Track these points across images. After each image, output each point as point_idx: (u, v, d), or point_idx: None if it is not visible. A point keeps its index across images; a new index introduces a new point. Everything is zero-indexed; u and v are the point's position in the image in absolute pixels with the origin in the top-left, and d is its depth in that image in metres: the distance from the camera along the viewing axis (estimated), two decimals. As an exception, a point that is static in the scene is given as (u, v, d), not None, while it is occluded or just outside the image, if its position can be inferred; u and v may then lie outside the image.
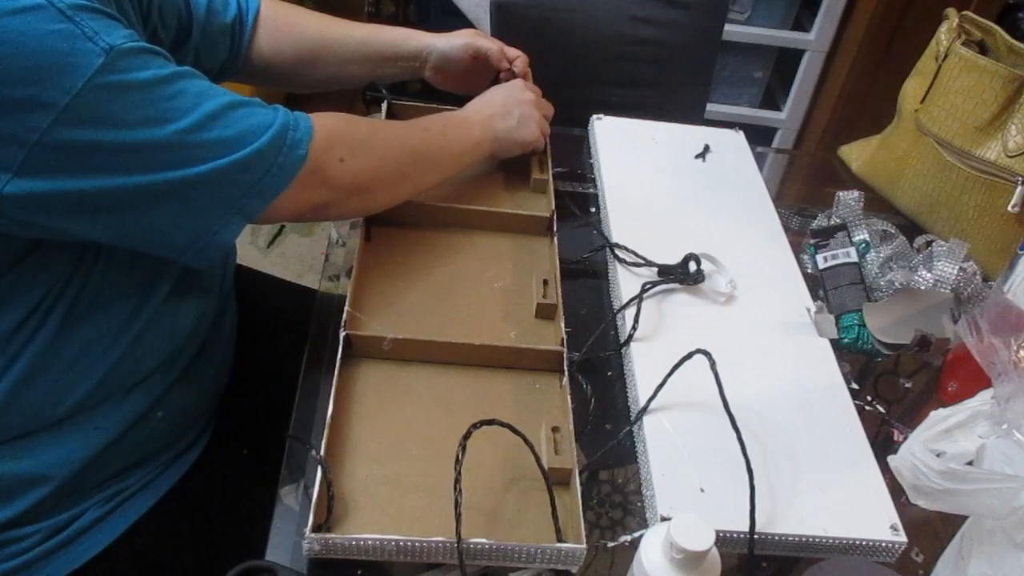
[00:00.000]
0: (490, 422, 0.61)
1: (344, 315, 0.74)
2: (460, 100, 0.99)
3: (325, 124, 0.70)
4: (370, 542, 0.59)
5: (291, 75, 0.94)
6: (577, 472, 0.65)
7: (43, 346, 0.66)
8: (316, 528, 0.59)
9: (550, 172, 0.97)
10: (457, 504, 0.58)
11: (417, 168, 0.83)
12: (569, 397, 0.71)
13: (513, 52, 0.99)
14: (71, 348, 0.67)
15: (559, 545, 0.60)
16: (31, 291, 0.64)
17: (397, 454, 0.67)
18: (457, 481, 0.58)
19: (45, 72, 0.53)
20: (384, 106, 1.00)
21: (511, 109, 0.92)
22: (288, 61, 0.92)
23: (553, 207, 0.91)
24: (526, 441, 0.61)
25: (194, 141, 0.60)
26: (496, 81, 1.00)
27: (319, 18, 0.94)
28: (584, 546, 0.60)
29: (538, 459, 0.61)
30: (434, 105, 0.99)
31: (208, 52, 0.85)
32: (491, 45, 0.97)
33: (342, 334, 0.72)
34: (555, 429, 0.69)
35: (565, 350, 0.74)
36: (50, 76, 0.53)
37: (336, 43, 0.94)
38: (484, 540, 0.59)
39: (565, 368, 0.74)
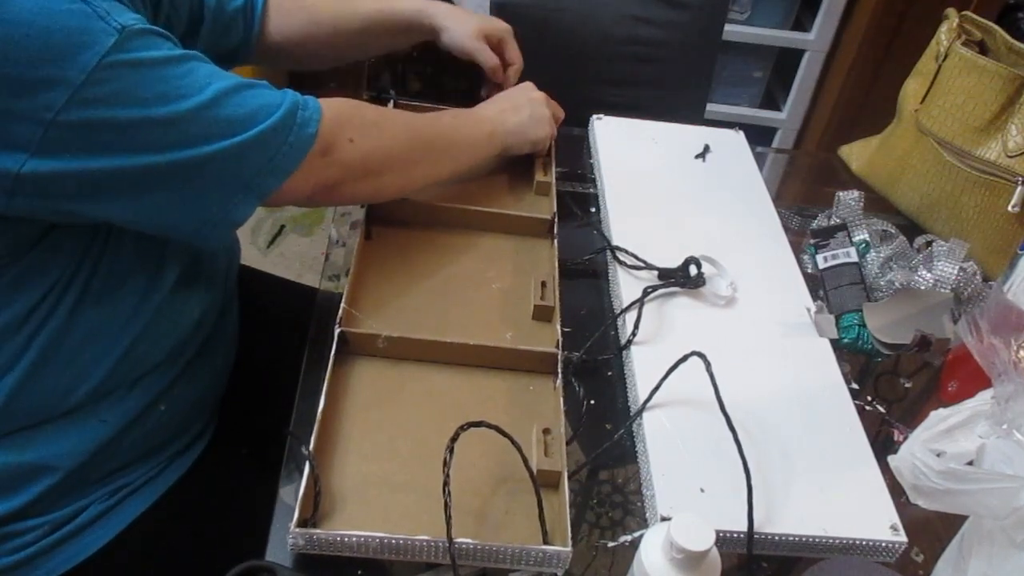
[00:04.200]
0: (478, 424, 0.61)
1: (340, 312, 0.74)
2: (466, 102, 0.99)
3: (333, 105, 0.71)
4: (355, 538, 0.59)
5: (302, 53, 0.95)
6: (566, 475, 0.65)
7: (53, 335, 0.66)
8: (302, 523, 0.60)
9: (553, 175, 0.97)
10: (447, 506, 0.58)
11: (428, 154, 0.83)
12: (562, 400, 0.71)
13: (513, 55, 0.99)
14: (80, 337, 0.67)
15: (544, 547, 0.60)
16: (42, 279, 0.65)
17: (388, 452, 0.67)
18: (446, 484, 0.58)
19: (59, 50, 0.53)
20: (390, 105, 1.00)
21: (522, 105, 0.93)
22: (299, 40, 0.93)
23: (555, 209, 0.91)
24: (514, 443, 0.61)
25: (208, 118, 0.60)
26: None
27: None
28: (569, 549, 0.60)
29: (526, 461, 0.61)
30: (440, 106, 0.99)
31: (220, 38, 0.86)
32: (488, 61, 0.97)
33: (336, 330, 0.72)
34: (546, 431, 0.69)
35: (560, 352, 0.74)
36: (64, 54, 0.54)
37: (346, 20, 0.94)
38: (470, 540, 0.59)
39: (559, 370, 0.74)
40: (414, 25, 0.96)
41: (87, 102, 0.55)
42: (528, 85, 0.97)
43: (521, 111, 0.93)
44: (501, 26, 0.99)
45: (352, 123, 0.72)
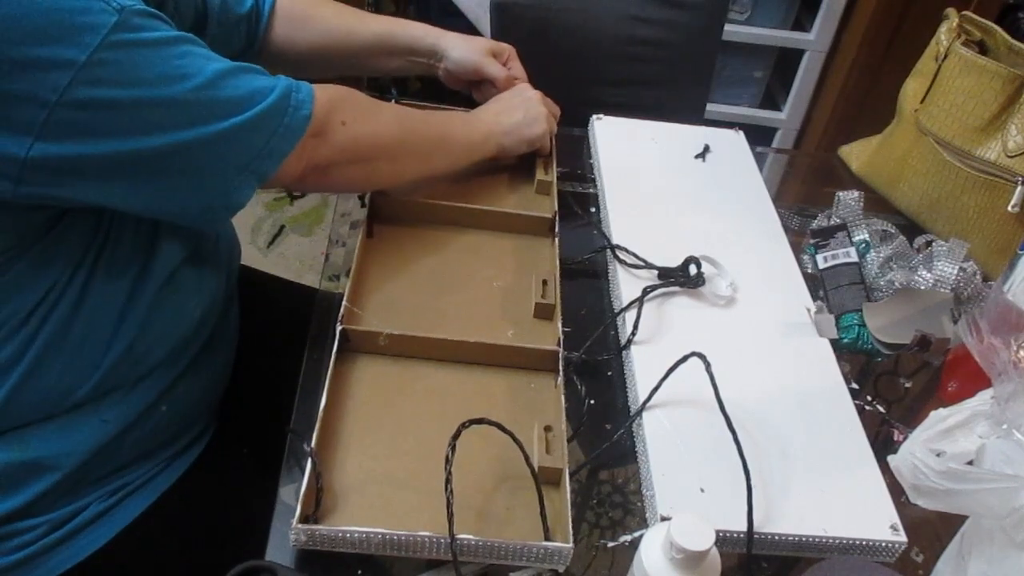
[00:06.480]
0: (479, 421, 0.61)
1: (342, 309, 0.74)
2: (466, 102, 0.99)
3: (327, 89, 0.72)
4: (356, 535, 0.59)
5: (306, 64, 0.95)
6: (567, 472, 0.65)
7: (57, 329, 0.66)
8: (303, 519, 0.60)
9: (554, 174, 0.97)
10: (449, 504, 0.58)
11: (420, 146, 0.83)
12: (563, 397, 0.71)
13: (518, 72, 1.00)
14: (83, 332, 0.67)
15: (546, 544, 0.60)
16: (47, 273, 0.65)
17: (389, 449, 0.67)
18: (448, 481, 0.58)
19: (61, 30, 0.53)
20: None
21: (516, 106, 0.94)
22: (303, 51, 0.93)
23: (556, 208, 0.91)
24: (515, 440, 0.61)
25: (208, 99, 0.61)
26: None
27: (336, 10, 0.95)
28: (571, 545, 0.60)
29: (527, 458, 0.61)
30: (441, 106, 1.00)
31: (223, 42, 0.86)
32: (499, 73, 0.98)
33: (338, 328, 0.72)
34: (547, 429, 0.69)
35: (561, 350, 0.74)
36: (66, 34, 0.54)
37: (352, 36, 0.95)
38: (471, 536, 0.59)
39: (560, 368, 0.74)
40: (416, 47, 0.97)
41: (90, 82, 0.55)
42: (523, 86, 0.98)
43: (516, 112, 0.93)
44: (506, 46, 1.01)
45: (345, 107, 0.73)
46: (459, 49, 0.97)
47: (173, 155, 0.60)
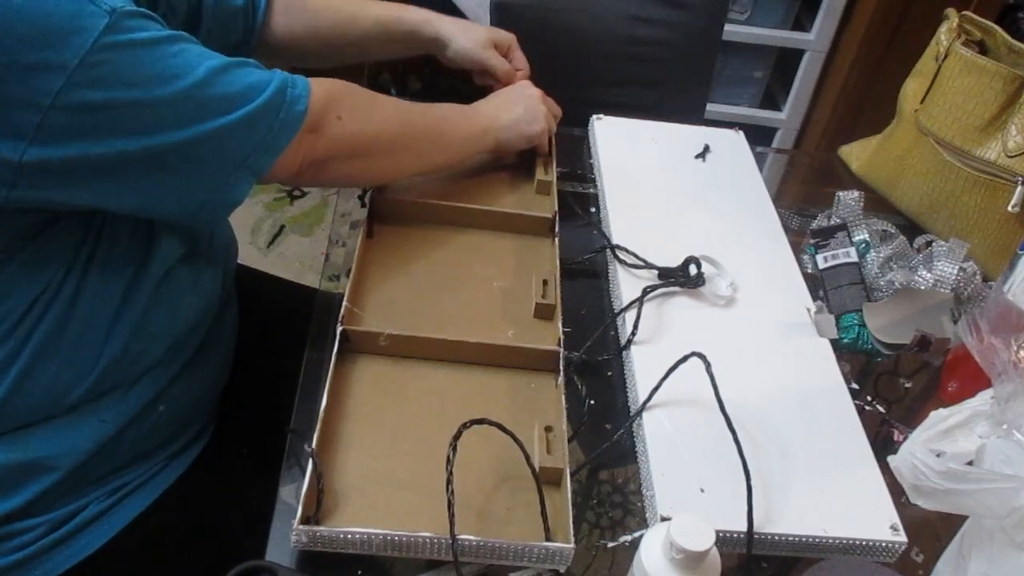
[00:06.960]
0: (480, 421, 0.61)
1: (342, 310, 0.74)
2: (465, 102, 0.99)
3: (324, 84, 0.71)
4: (358, 535, 0.59)
5: (305, 53, 0.95)
6: (568, 472, 0.65)
7: (51, 329, 0.66)
8: (304, 520, 0.60)
9: (554, 173, 0.97)
10: (450, 504, 0.58)
11: (418, 141, 0.83)
12: (563, 397, 0.71)
13: (520, 62, 1.00)
14: (77, 333, 0.67)
15: (547, 544, 0.60)
16: (40, 274, 0.65)
17: (390, 450, 0.67)
18: (449, 482, 0.58)
19: (53, 35, 0.53)
20: None
21: (516, 102, 0.94)
22: (302, 40, 0.93)
23: (556, 208, 0.91)
24: (516, 440, 0.61)
25: (202, 97, 0.61)
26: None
27: None
28: (572, 546, 0.60)
29: (528, 458, 0.61)
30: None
31: (220, 35, 0.86)
32: (500, 66, 0.98)
33: (339, 329, 0.72)
34: (548, 429, 0.69)
35: (561, 350, 0.74)
36: (58, 38, 0.54)
37: (352, 23, 0.94)
38: (472, 537, 0.59)
39: (561, 368, 0.74)
40: (418, 36, 0.97)
41: (84, 85, 0.55)
42: (524, 83, 0.98)
43: (515, 107, 0.93)
44: (508, 35, 1.01)
45: (342, 102, 0.73)
46: (461, 40, 0.96)
47: (170, 154, 0.60)
